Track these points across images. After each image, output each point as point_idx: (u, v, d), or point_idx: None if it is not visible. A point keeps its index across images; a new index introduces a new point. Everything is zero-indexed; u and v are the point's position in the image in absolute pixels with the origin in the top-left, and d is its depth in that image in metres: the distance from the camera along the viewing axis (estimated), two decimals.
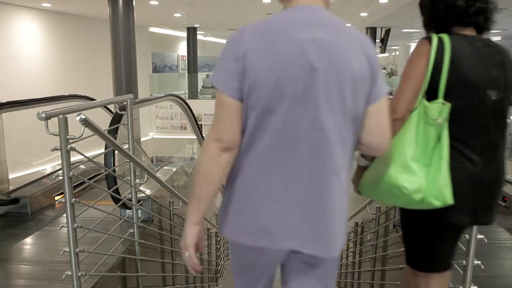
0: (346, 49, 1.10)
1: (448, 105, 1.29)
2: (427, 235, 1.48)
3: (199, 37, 17.69)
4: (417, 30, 17.07)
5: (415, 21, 14.05)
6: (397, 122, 1.31)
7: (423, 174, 1.26)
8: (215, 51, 23.72)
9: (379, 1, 10.19)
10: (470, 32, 1.39)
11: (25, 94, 4.41)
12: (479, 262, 1.72)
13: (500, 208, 3.57)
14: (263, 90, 1.08)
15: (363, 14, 12.54)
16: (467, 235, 1.70)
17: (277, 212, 1.15)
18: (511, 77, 1.37)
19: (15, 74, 9.58)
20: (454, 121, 1.31)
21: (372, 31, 16.09)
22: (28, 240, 2.89)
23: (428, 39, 1.34)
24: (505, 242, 2.88)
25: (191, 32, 16.53)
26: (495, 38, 18.10)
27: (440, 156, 1.27)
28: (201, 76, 16.85)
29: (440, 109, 1.28)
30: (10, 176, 3.66)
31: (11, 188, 3.52)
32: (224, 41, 24.23)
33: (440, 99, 1.30)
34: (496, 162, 1.39)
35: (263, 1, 10.37)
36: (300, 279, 1.31)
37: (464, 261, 1.73)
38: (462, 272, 1.75)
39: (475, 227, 1.67)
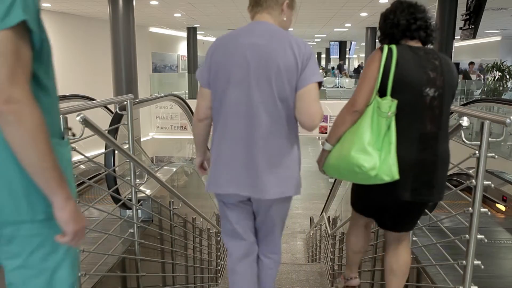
0: (274, 49, 1.57)
1: (395, 101, 1.60)
2: (371, 209, 1.92)
3: (199, 37, 17.69)
4: None
5: None
6: (356, 113, 1.68)
7: (377, 156, 1.58)
8: None
9: (379, 1, 10.19)
10: (415, 43, 1.75)
11: None
12: (479, 262, 1.72)
13: (500, 208, 3.57)
14: (218, 78, 1.63)
15: (363, 14, 12.54)
16: (467, 235, 1.71)
17: (228, 168, 1.69)
18: (448, 78, 1.69)
19: None
20: (399, 113, 1.62)
21: (372, 31, 16.08)
22: None
23: (381, 48, 1.70)
24: (505, 242, 2.88)
25: (191, 32, 16.53)
26: (495, 38, 18.11)
27: (389, 141, 1.59)
28: None
29: (389, 104, 1.60)
30: None
31: None
32: None
33: (388, 96, 1.62)
34: (433, 149, 1.67)
35: None
36: (258, 216, 1.86)
37: (464, 261, 1.73)
38: (462, 272, 1.75)
39: (475, 228, 1.67)
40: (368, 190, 1.75)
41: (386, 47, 1.69)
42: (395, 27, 1.75)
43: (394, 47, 1.68)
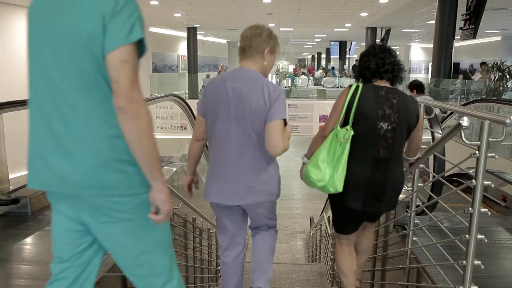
0: (250, 93, 1.97)
1: (350, 131, 1.98)
2: (340, 213, 2.30)
3: (199, 37, 17.70)
4: (417, 30, 17.06)
5: (415, 21, 14.05)
6: (325, 138, 2.09)
7: (327, 172, 2.00)
8: (215, 51, 23.73)
9: (379, 1, 10.19)
10: (384, 83, 2.10)
11: (25, 94, 4.41)
12: (479, 262, 1.72)
13: (500, 208, 3.57)
14: (209, 113, 2.07)
15: (363, 14, 12.54)
16: (467, 235, 1.71)
17: (216, 183, 2.14)
18: (403, 115, 2.01)
19: (15, 74, 9.58)
20: (357, 140, 2.00)
21: (372, 31, 16.10)
22: (29, 240, 2.89)
23: (350, 86, 2.06)
24: (505, 242, 2.88)
25: (191, 32, 16.54)
26: (495, 38, 18.12)
27: (341, 162, 1.98)
28: (201, 76, 16.85)
29: (344, 133, 1.99)
30: (11, 176, 3.66)
31: (11, 188, 3.53)
32: (224, 41, 24.23)
33: (348, 126, 2.00)
34: (384, 171, 2.04)
35: (263, 1, 10.37)
36: (250, 217, 2.29)
37: (464, 261, 1.73)
38: (462, 272, 1.75)
39: (475, 228, 1.68)
40: (338, 212, 2.30)
41: (354, 86, 2.06)
42: (366, 69, 2.11)
43: (360, 86, 2.05)
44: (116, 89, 1.21)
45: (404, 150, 2.19)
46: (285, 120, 1.97)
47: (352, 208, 2.10)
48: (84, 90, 1.24)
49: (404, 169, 2.27)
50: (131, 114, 1.21)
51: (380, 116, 1.99)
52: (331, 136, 2.04)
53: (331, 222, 5.25)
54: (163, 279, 1.52)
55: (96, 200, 1.30)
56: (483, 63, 11.45)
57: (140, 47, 1.26)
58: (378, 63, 2.08)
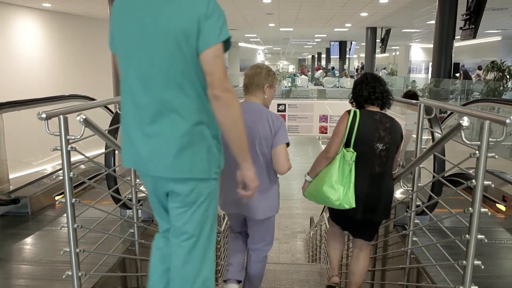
0: (256, 121, 2.28)
1: (355, 153, 2.26)
2: (336, 217, 2.58)
3: None
4: (417, 30, 17.06)
5: (415, 21, 14.04)
6: (329, 158, 2.35)
7: (341, 191, 2.25)
8: None
9: (379, 1, 10.19)
10: (375, 108, 2.40)
11: (25, 94, 4.41)
12: (480, 262, 1.72)
13: (500, 208, 3.57)
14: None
15: (363, 14, 12.54)
16: (467, 235, 1.71)
17: (231, 196, 2.25)
18: (393, 136, 2.33)
19: (15, 74, 9.58)
20: (357, 159, 2.27)
21: (372, 31, 16.09)
22: (29, 240, 2.89)
23: (349, 112, 2.33)
24: (506, 242, 2.88)
25: None
26: (496, 38, 18.12)
27: (350, 180, 2.27)
28: None
29: (351, 155, 2.26)
30: (11, 176, 3.66)
31: (11, 188, 3.52)
32: None
33: (351, 148, 2.27)
34: (379, 185, 2.33)
35: (263, 1, 10.37)
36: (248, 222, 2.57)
37: (464, 261, 1.73)
38: (462, 272, 1.75)
39: (475, 228, 1.68)
40: (337, 216, 2.55)
41: (352, 112, 2.33)
42: (360, 96, 2.41)
43: (358, 112, 2.33)
44: (211, 80, 1.41)
45: None
46: (287, 143, 2.33)
47: (351, 217, 2.38)
48: (173, 79, 1.43)
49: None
50: (226, 102, 1.42)
51: (376, 138, 2.31)
52: (339, 158, 2.30)
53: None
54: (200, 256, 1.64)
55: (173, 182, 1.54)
56: (479, 68, 11.48)
57: (225, 44, 1.45)
58: (370, 91, 2.38)
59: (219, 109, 1.43)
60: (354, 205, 2.25)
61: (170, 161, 1.46)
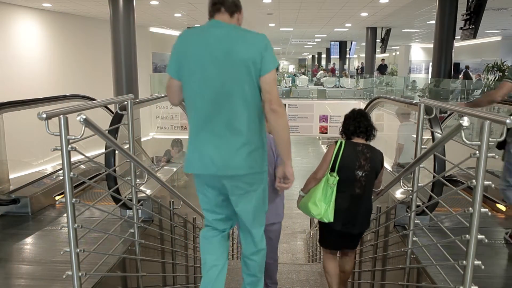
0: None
1: (337, 178, 2.67)
2: (326, 233, 2.95)
3: None
4: (417, 30, 17.05)
5: (415, 21, 14.03)
6: (317, 180, 2.76)
7: (323, 207, 2.68)
8: None
9: (380, 1, 10.18)
10: (360, 140, 2.79)
11: (25, 94, 4.41)
12: (480, 262, 1.72)
13: (500, 208, 3.57)
14: None
15: (363, 14, 12.53)
16: (467, 235, 1.70)
17: None
18: (373, 166, 2.73)
19: (15, 74, 9.58)
20: (340, 182, 2.68)
21: (372, 31, 16.07)
22: (29, 240, 2.89)
23: (336, 142, 2.75)
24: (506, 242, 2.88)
25: None
26: (496, 38, 18.11)
27: (331, 200, 2.68)
28: None
29: (333, 180, 2.68)
30: (11, 176, 3.66)
31: (11, 188, 3.53)
32: None
33: (335, 173, 2.68)
34: (359, 204, 2.74)
35: (263, 1, 10.36)
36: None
37: (464, 261, 1.73)
38: (462, 272, 1.75)
39: (475, 228, 1.68)
40: (324, 230, 2.94)
41: (338, 142, 2.76)
42: (347, 129, 2.83)
43: (343, 143, 2.75)
44: (270, 98, 1.87)
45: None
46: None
47: (333, 229, 2.78)
48: (242, 99, 1.87)
49: (373, 196, 2.96)
50: (280, 114, 1.88)
51: (357, 166, 2.71)
52: (324, 181, 2.71)
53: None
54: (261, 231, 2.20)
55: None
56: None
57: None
58: (356, 126, 2.79)
59: (275, 119, 1.89)
60: (332, 220, 2.68)
61: (240, 163, 1.90)
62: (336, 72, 23.42)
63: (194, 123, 1.95)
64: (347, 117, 2.87)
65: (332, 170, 2.70)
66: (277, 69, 1.92)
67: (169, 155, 5.93)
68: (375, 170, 2.75)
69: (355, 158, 2.70)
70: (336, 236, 2.84)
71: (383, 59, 22.00)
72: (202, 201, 2.13)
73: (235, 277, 6.07)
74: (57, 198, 3.65)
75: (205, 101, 1.88)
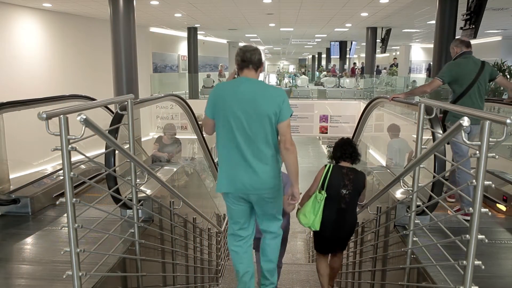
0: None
1: (325, 195, 3.22)
2: (318, 239, 3.50)
3: (199, 37, 17.68)
4: (417, 30, 17.04)
5: (415, 21, 14.02)
6: (310, 196, 3.29)
7: (311, 219, 3.24)
8: (216, 51, 23.72)
9: (380, 1, 10.18)
10: (346, 163, 3.36)
11: (25, 94, 4.41)
12: (480, 262, 1.72)
13: (500, 208, 3.57)
14: None
15: (364, 14, 12.53)
16: (467, 235, 1.70)
17: None
18: (355, 186, 3.26)
19: (15, 74, 9.58)
20: (328, 198, 3.22)
21: (372, 31, 16.06)
22: (29, 240, 2.89)
23: (325, 166, 3.32)
24: (506, 242, 2.88)
25: (192, 32, 16.52)
26: (496, 38, 18.10)
27: (319, 213, 3.22)
28: (201, 76, 16.84)
29: (321, 196, 3.23)
30: (11, 176, 3.66)
31: (12, 188, 3.53)
32: (224, 41, 24.21)
33: (324, 191, 3.23)
34: (344, 216, 3.28)
35: (263, 1, 10.36)
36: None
37: (464, 261, 1.73)
38: (462, 272, 1.75)
39: (475, 228, 1.68)
40: (317, 237, 3.49)
41: (327, 166, 3.33)
42: (335, 155, 3.42)
43: (331, 166, 3.32)
44: (284, 139, 2.47)
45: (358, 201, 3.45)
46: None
47: (324, 235, 3.38)
48: (265, 139, 2.48)
49: (358, 209, 3.53)
50: (291, 151, 2.49)
51: (342, 186, 3.26)
52: (313, 197, 3.29)
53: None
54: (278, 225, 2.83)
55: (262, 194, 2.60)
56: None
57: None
58: (342, 152, 3.38)
59: (288, 155, 2.50)
60: (318, 229, 3.26)
61: (266, 184, 2.53)
62: (337, 71, 23.41)
63: (225, 154, 2.55)
64: (336, 145, 3.47)
65: (322, 188, 3.26)
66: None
67: (162, 142, 5.81)
68: (357, 189, 3.30)
69: (340, 179, 3.27)
70: (327, 241, 3.45)
71: (395, 58, 22.19)
72: (230, 213, 2.74)
73: (234, 277, 6.07)
74: (57, 198, 3.65)
75: (236, 139, 2.49)
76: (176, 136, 5.99)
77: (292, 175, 2.56)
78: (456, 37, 4.61)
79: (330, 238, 3.38)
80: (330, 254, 3.67)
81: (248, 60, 2.52)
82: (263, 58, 2.72)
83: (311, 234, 3.86)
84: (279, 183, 2.61)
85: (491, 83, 3.90)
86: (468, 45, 3.83)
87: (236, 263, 2.81)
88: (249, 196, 2.57)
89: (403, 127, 5.75)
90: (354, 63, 26.39)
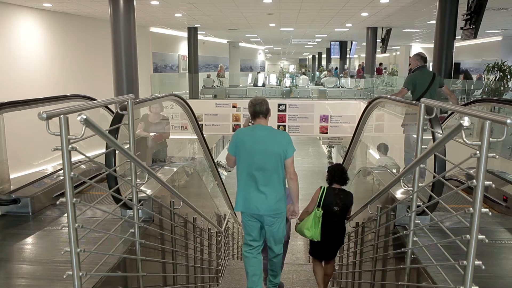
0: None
1: (322, 211, 3.88)
2: (315, 247, 4.18)
3: (199, 37, 17.69)
4: (417, 30, 17.04)
5: (415, 21, 14.03)
6: (308, 213, 3.99)
7: (313, 231, 3.90)
8: (216, 51, 23.72)
9: (380, 1, 10.18)
10: (337, 186, 4.02)
11: (26, 94, 4.41)
12: (480, 262, 1.72)
13: (501, 208, 3.57)
14: None
15: (364, 14, 12.53)
16: (467, 235, 1.70)
17: None
18: (345, 204, 3.94)
19: (16, 74, 9.59)
20: (324, 214, 3.87)
21: (372, 31, 16.07)
22: (29, 240, 2.90)
23: (321, 187, 3.98)
24: (506, 242, 2.88)
25: (192, 32, 16.53)
26: (496, 38, 18.10)
27: (318, 226, 3.88)
28: (201, 76, 16.83)
29: (319, 213, 3.89)
30: (11, 176, 3.66)
31: (12, 188, 3.53)
32: (224, 41, 24.20)
33: (320, 208, 3.90)
34: (336, 228, 3.99)
35: (263, 1, 10.37)
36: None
37: (464, 261, 1.73)
38: (462, 272, 1.75)
39: (475, 228, 1.68)
40: (314, 245, 4.18)
41: (322, 188, 3.99)
42: (328, 178, 4.10)
43: (326, 188, 3.99)
44: (289, 171, 3.25)
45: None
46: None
47: (320, 243, 4.02)
48: (275, 172, 3.22)
49: (346, 221, 4.16)
50: (294, 180, 3.30)
51: (334, 204, 3.94)
52: (313, 214, 3.92)
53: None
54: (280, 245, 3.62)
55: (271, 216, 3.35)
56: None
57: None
58: (333, 175, 4.07)
59: (292, 182, 3.34)
60: (319, 239, 3.92)
61: (272, 206, 3.27)
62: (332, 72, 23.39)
63: (243, 182, 3.30)
64: (329, 169, 4.17)
65: (318, 206, 3.94)
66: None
67: (147, 120, 5.24)
68: (346, 206, 4.00)
69: (333, 199, 3.95)
70: (322, 248, 4.15)
71: (421, 54, 22.05)
72: (245, 228, 3.47)
73: (235, 277, 6.07)
74: (57, 198, 3.65)
75: (252, 171, 3.25)
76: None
77: (294, 197, 3.42)
78: (418, 52, 5.52)
79: (325, 246, 4.08)
80: (324, 262, 4.32)
81: (258, 111, 3.31)
82: (268, 108, 3.40)
83: (308, 241, 4.39)
84: (284, 206, 3.37)
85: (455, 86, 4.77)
86: (425, 60, 5.10)
87: (247, 266, 3.51)
88: (260, 216, 3.32)
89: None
90: (332, 67, 26.17)
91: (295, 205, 3.48)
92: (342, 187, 4.07)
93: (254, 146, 3.20)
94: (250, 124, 3.44)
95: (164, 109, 13.85)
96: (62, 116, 1.74)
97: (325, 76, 20.37)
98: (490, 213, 1.72)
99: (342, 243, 4.24)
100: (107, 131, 2.41)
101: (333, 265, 4.47)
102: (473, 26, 7.61)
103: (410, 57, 5.07)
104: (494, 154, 1.64)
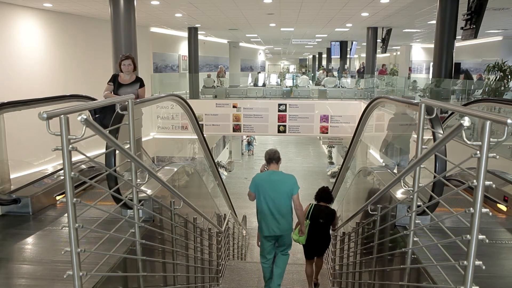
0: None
1: (308, 222, 5.14)
2: (306, 249, 5.37)
3: (200, 37, 17.68)
4: (418, 30, 17.03)
5: (416, 21, 14.02)
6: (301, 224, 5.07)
7: (302, 238, 5.03)
8: (216, 51, 23.71)
9: (380, 1, 10.18)
10: (323, 203, 5.33)
11: (26, 94, 4.41)
12: (481, 262, 1.72)
13: (501, 209, 3.57)
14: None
15: (364, 14, 12.52)
16: (468, 235, 1.70)
17: None
18: (328, 218, 5.25)
19: (16, 74, 9.59)
20: (311, 225, 5.14)
21: (373, 31, 16.06)
22: (30, 240, 2.90)
23: (310, 204, 5.32)
24: (507, 242, 2.88)
25: (192, 32, 16.52)
26: (497, 38, 18.09)
27: (306, 233, 5.02)
28: (202, 76, 16.82)
29: (307, 223, 5.11)
30: (12, 176, 3.66)
31: (12, 188, 3.53)
32: (225, 41, 24.19)
33: (308, 220, 5.15)
34: (321, 236, 5.24)
35: (264, 1, 10.36)
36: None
37: (465, 262, 1.73)
38: (463, 272, 1.75)
39: (476, 228, 1.68)
40: (305, 248, 5.31)
41: (311, 205, 5.25)
42: (317, 197, 5.32)
43: (313, 205, 5.25)
44: (296, 204, 4.42)
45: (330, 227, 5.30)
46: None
47: (309, 246, 5.18)
48: (285, 206, 4.37)
49: (331, 231, 5.39)
50: (300, 210, 4.51)
51: (320, 217, 5.07)
52: (305, 223, 4.89)
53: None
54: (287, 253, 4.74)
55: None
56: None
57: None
58: (321, 197, 5.26)
59: (298, 211, 4.49)
60: (304, 243, 5.05)
61: (284, 229, 4.41)
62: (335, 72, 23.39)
63: (263, 213, 4.37)
64: (317, 191, 5.31)
65: (307, 218, 5.05)
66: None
67: (117, 81, 4.68)
68: (329, 220, 5.16)
69: (319, 212, 5.11)
70: (311, 251, 5.27)
71: (362, 62, 21.85)
72: (262, 246, 4.58)
73: (235, 277, 6.07)
74: (58, 198, 3.65)
75: (268, 205, 4.34)
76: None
77: (300, 221, 4.71)
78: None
79: (313, 248, 5.25)
80: (315, 258, 5.41)
81: (272, 158, 4.45)
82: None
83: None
84: (291, 227, 4.49)
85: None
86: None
87: (265, 272, 4.69)
88: (276, 237, 4.45)
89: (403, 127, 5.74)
90: (331, 67, 25.86)
91: (301, 225, 4.81)
92: (327, 205, 5.26)
93: (269, 187, 4.32)
94: (265, 169, 4.50)
95: (165, 109, 13.85)
96: (62, 116, 1.74)
97: (320, 75, 20.34)
98: (490, 213, 1.72)
99: (328, 245, 5.50)
100: (107, 131, 2.41)
101: (322, 260, 5.79)
102: (474, 26, 7.61)
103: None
104: (495, 154, 1.64)
